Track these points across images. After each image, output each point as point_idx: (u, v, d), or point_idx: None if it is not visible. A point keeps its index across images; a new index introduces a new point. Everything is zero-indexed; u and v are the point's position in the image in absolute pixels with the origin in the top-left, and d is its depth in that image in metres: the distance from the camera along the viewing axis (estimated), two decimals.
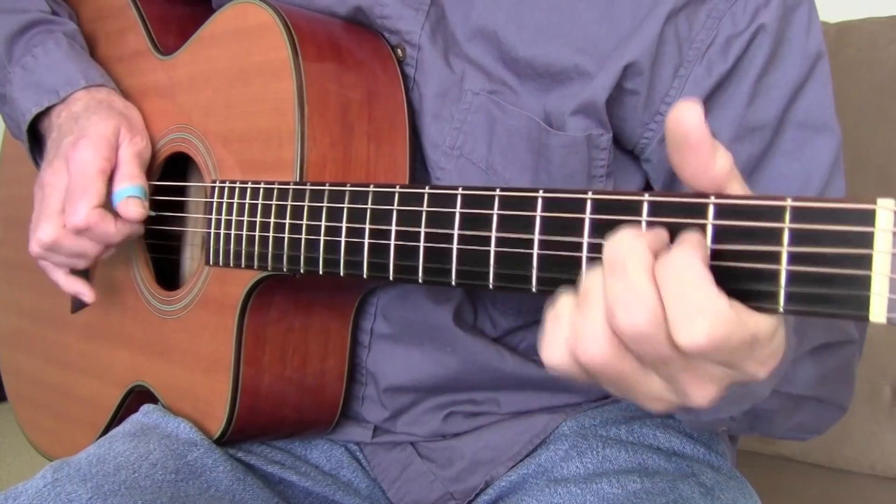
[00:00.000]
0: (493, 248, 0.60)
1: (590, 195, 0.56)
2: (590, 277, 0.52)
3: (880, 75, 1.56)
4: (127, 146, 0.96)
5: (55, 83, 1.00)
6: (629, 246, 0.50)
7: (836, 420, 0.87)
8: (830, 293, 0.46)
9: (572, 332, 0.52)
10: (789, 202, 0.48)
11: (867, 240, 0.45)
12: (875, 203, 0.45)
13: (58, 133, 0.98)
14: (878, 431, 1.46)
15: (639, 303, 0.49)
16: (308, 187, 0.75)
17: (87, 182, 0.91)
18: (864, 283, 0.45)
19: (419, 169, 0.89)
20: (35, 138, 1.05)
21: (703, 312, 0.48)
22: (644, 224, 0.54)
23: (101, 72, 1.04)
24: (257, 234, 0.81)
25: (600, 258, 0.54)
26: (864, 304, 0.45)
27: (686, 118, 0.51)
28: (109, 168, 0.94)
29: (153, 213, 0.97)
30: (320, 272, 0.74)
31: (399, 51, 0.90)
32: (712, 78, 0.81)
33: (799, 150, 0.83)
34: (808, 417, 0.84)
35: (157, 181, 1.01)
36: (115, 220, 0.93)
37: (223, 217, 0.85)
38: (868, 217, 0.45)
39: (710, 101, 0.81)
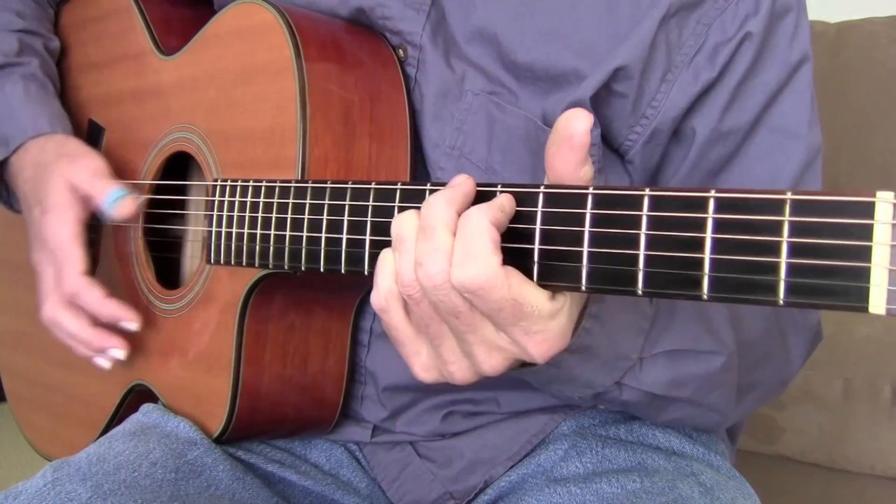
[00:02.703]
0: None
1: (591, 190, 0.57)
2: (404, 224, 0.63)
3: (880, 75, 1.56)
4: (85, 181, 0.98)
5: (7, 134, 1.04)
6: (441, 214, 0.60)
7: (719, 423, 0.91)
8: (830, 285, 0.47)
9: (396, 266, 0.63)
10: (789, 195, 0.48)
11: (867, 232, 0.46)
12: (874, 196, 0.46)
13: (25, 201, 1.03)
14: (878, 431, 1.46)
15: (439, 254, 0.59)
16: (309, 185, 0.75)
17: (66, 253, 0.96)
18: (864, 274, 0.46)
19: (419, 168, 0.89)
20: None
21: (476, 260, 0.57)
22: (645, 218, 0.54)
23: (52, 114, 1.07)
24: (258, 231, 0.81)
25: (602, 252, 0.57)
26: (863, 295, 0.46)
27: (576, 125, 0.58)
28: (81, 225, 0.98)
29: (148, 197, 1.00)
30: (321, 270, 0.74)
31: (400, 51, 0.90)
32: (698, 85, 0.82)
33: (768, 154, 0.84)
34: (683, 415, 0.86)
35: (158, 180, 1.02)
36: (102, 293, 0.96)
37: (224, 215, 0.86)
38: (868, 209, 0.46)
39: (694, 107, 0.83)
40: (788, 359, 0.89)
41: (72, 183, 0.98)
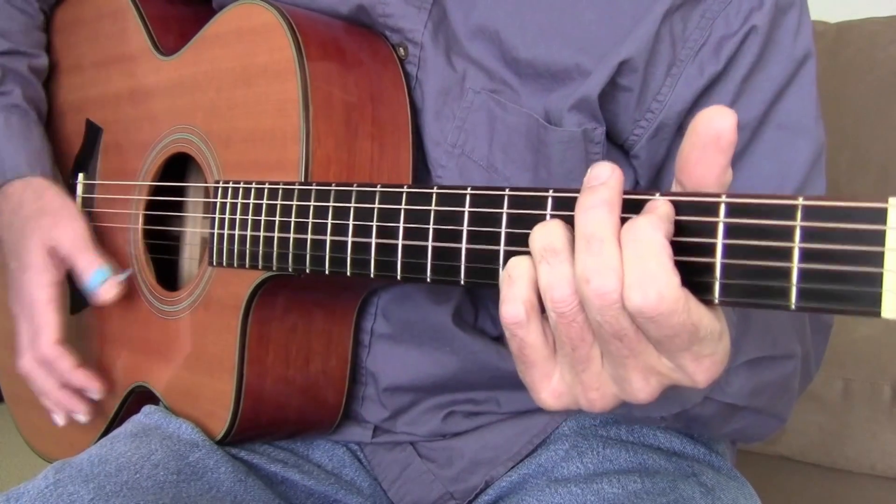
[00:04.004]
0: (502, 247, 0.60)
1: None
2: (551, 233, 0.55)
3: (880, 75, 1.56)
4: (66, 248, 0.99)
5: None
6: (607, 222, 0.52)
7: (775, 430, 0.88)
8: (842, 290, 0.47)
9: (543, 282, 0.55)
10: (801, 201, 0.48)
11: (879, 237, 0.46)
12: (887, 202, 0.46)
13: (3, 245, 1.05)
14: (878, 431, 1.46)
15: (610, 271, 0.51)
16: (314, 187, 0.75)
17: (40, 319, 0.99)
18: (877, 280, 0.46)
19: (419, 167, 0.89)
20: None
21: (656, 281, 0.50)
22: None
23: (31, 151, 1.07)
24: (262, 234, 0.81)
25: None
26: (876, 300, 0.46)
27: (721, 122, 0.51)
28: (57, 287, 1.00)
29: (130, 274, 1.01)
30: (326, 272, 0.74)
31: (401, 49, 0.90)
32: (703, 78, 0.81)
33: (776, 151, 0.84)
34: (745, 425, 0.84)
35: (157, 181, 1.01)
36: (72, 363, 1.00)
37: (227, 217, 0.85)
38: (880, 215, 0.46)
39: (700, 101, 0.82)
40: (816, 360, 0.88)
41: (50, 245, 0.99)
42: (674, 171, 0.85)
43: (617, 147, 0.88)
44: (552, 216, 0.58)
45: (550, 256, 0.55)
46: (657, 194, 0.53)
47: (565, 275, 0.54)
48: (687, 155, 0.53)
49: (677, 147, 0.84)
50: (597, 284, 0.51)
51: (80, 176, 1.11)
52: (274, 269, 0.81)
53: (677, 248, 0.52)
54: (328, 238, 0.73)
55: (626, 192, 0.54)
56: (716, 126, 0.51)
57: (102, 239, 1.06)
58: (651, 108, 0.83)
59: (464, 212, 0.63)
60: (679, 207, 0.53)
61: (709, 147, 0.52)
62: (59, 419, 1.03)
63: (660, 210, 0.52)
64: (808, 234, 0.48)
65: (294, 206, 0.77)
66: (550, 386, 0.58)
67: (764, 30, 0.81)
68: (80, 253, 0.99)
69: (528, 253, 0.56)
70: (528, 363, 0.58)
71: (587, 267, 0.52)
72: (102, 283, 0.98)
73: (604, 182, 0.53)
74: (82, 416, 1.02)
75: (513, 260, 0.57)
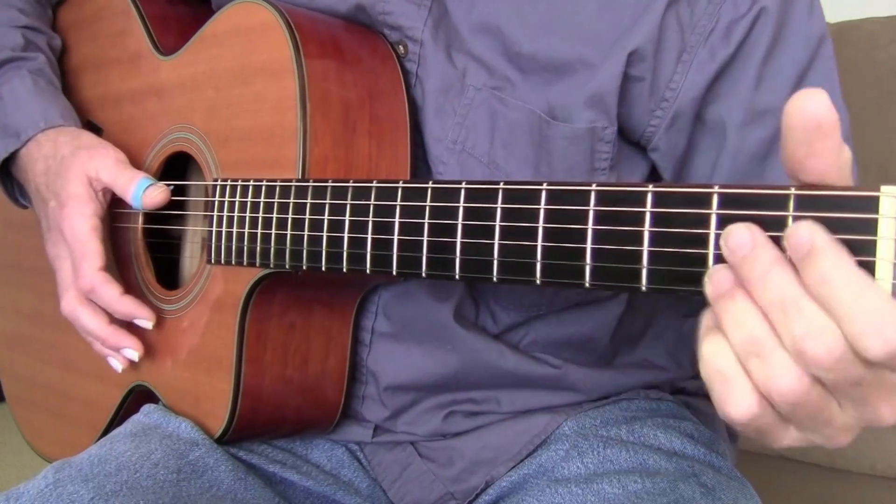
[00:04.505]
0: (496, 241, 0.61)
1: (594, 187, 0.56)
2: (742, 322, 0.50)
3: (880, 75, 1.56)
4: (109, 171, 0.97)
5: (18, 125, 1.03)
6: (787, 282, 0.48)
7: None
8: None
9: (758, 377, 0.50)
10: (793, 191, 0.48)
11: (871, 226, 0.46)
12: (879, 190, 0.46)
13: (38, 194, 1.02)
14: (878, 431, 1.45)
15: (824, 331, 0.47)
16: (311, 184, 0.75)
17: (84, 248, 0.95)
18: (869, 268, 0.46)
19: (420, 164, 0.89)
20: (6, 172, 1.08)
21: (884, 318, 0.46)
22: (648, 215, 0.54)
23: (63, 108, 1.06)
24: (259, 231, 0.81)
25: (605, 249, 0.54)
26: None
27: (814, 106, 0.48)
28: (99, 219, 0.97)
29: (174, 183, 0.98)
30: (323, 268, 0.74)
31: (401, 47, 0.90)
32: (716, 63, 0.81)
33: None
34: None
35: (158, 180, 1.01)
36: (118, 290, 0.95)
37: (225, 215, 0.86)
38: (872, 204, 0.46)
39: (717, 88, 0.82)
40: None
41: (91, 175, 0.97)
42: (706, 169, 0.85)
43: (632, 145, 0.87)
44: (547, 210, 0.58)
45: (755, 347, 0.50)
46: (650, 185, 0.53)
47: (783, 362, 0.50)
48: (794, 152, 0.49)
49: (700, 139, 0.84)
50: (815, 349, 0.48)
51: None
52: (271, 266, 0.81)
53: (671, 239, 0.52)
54: (325, 234, 0.74)
55: (615, 184, 0.54)
56: (811, 113, 0.48)
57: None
58: (665, 97, 0.83)
59: (458, 207, 0.63)
60: (671, 199, 0.53)
61: (813, 137, 0.48)
62: (117, 363, 0.99)
63: (818, 242, 0.47)
64: None
65: (291, 204, 0.78)
66: (789, 436, 0.55)
67: (775, 11, 0.81)
68: (120, 172, 0.97)
69: (518, 246, 0.56)
70: (762, 433, 0.54)
71: (796, 335, 0.48)
72: (146, 191, 0.95)
73: (753, 245, 0.50)
74: (135, 354, 0.97)
75: (719, 367, 0.52)
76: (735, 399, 0.51)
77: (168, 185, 0.97)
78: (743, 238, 0.49)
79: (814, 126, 0.48)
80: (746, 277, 0.49)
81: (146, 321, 0.96)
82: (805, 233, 0.47)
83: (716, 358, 0.52)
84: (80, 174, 0.97)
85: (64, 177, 0.98)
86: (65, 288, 0.98)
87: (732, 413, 0.51)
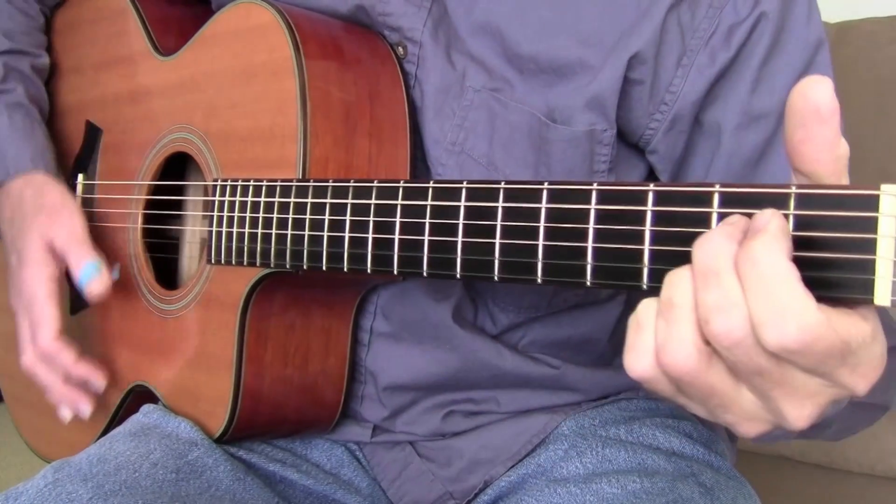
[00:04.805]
0: (498, 240, 0.61)
1: (595, 186, 0.57)
2: (673, 283, 0.50)
3: (880, 75, 1.56)
4: (61, 242, 1.00)
5: None
6: (723, 252, 0.48)
7: (877, 420, 0.84)
8: (835, 277, 0.47)
9: (658, 340, 0.50)
10: (793, 189, 0.48)
11: (871, 225, 0.46)
12: (879, 188, 0.46)
13: (5, 237, 1.06)
14: (878, 432, 1.46)
15: (733, 308, 0.47)
16: (311, 184, 0.75)
17: (41, 313, 0.99)
18: (869, 267, 0.46)
19: (419, 165, 0.89)
20: None
21: (792, 312, 0.46)
22: (649, 214, 0.54)
23: (35, 149, 1.07)
24: (259, 231, 0.81)
25: (606, 248, 0.54)
26: (868, 287, 0.46)
27: (817, 91, 0.48)
28: (55, 283, 1.00)
29: (116, 277, 1.02)
30: (324, 268, 0.74)
31: (400, 48, 0.90)
32: (716, 66, 0.81)
33: None
34: (857, 421, 0.83)
35: (157, 181, 1.01)
36: (73, 356, 0.99)
37: (225, 215, 0.85)
38: (872, 202, 0.46)
39: (715, 91, 0.82)
40: None
41: (47, 240, 1.00)
42: (701, 171, 0.85)
43: (630, 147, 0.88)
44: (548, 209, 0.58)
45: (668, 310, 0.50)
46: (651, 184, 0.53)
47: (684, 334, 0.50)
48: (791, 136, 0.49)
49: (697, 141, 0.85)
50: (718, 324, 0.48)
51: (80, 177, 1.12)
52: (272, 265, 0.81)
53: (672, 238, 0.52)
54: (325, 234, 0.74)
55: (616, 183, 0.54)
56: (812, 98, 0.48)
57: (102, 239, 1.06)
58: (665, 101, 0.83)
59: (459, 206, 0.63)
60: (672, 198, 0.53)
61: (810, 121, 0.48)
62: (66, 414, 1.03)
63: (771, 227, 0.47)
64: (800, 222, 0.48)
65: (291, 203, 0.78)
66: (693, 408, 0.54)
67: (775, 16, 0.81)
68: (73, 247, 0.99)
69: (519, 245, 0.56)
70: (668, 398, 0.54)
71: (709, 305, 0.48)
72: (92, 277, 0.97)
73: (734, 222, 0.50)
74: (87, 410, 1.02)
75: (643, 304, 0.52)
76: (634, 354, 0.52)
77: (166, 184, 0.97)
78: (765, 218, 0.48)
79: (812, 110, 0.48)
80: (696, 243, 0.49)
81: (99, 384, 1.01)
82: (766, 215, 0.48)
83: (642, 307, 0.52)
84: (38, 238, 1.00)
85: (23, 237, 1.01)
86: (24, 345, 1.01)
87: (627, 365, 0.52)
